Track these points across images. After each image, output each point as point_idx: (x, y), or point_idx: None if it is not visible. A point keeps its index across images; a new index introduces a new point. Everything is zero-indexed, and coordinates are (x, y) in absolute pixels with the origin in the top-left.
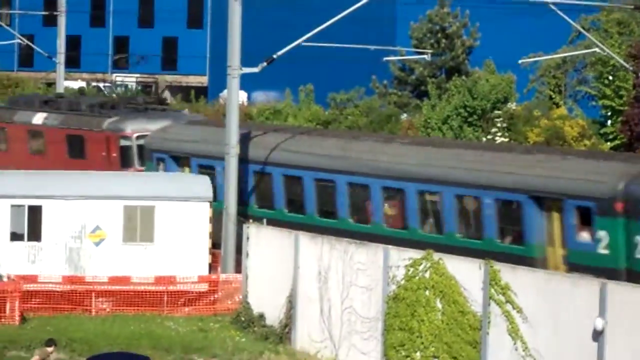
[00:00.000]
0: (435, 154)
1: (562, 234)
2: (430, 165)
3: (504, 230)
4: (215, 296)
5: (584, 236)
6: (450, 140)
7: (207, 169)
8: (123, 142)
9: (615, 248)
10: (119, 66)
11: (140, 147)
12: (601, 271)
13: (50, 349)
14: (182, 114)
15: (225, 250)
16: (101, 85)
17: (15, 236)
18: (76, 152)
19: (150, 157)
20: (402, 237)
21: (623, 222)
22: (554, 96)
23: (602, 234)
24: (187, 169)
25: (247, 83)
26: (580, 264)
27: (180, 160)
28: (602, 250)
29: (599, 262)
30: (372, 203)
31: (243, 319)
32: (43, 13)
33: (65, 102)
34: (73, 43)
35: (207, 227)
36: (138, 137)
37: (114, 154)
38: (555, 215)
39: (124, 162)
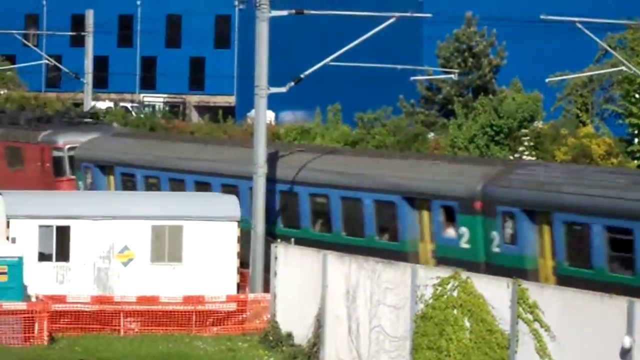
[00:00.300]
0: (324, 161)
1: (430, 230)
2: (320, 170)
3: (382, 228)
4: (244, 316)
5: (449, 232)
6: (340, 148)
7: (128, 177)
8: (56, 153)
9: (474, 243)
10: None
11: (72, 158)
12: (464, 264)
13: None
14: (111, 127)
15: (253, 269)
16: (129, 105)
17: (44, 256)
18: (15, 162)
19: (79, 166)
20: (296, 236)
21: (481, 219)
22: (580, 115)
23: (464, 230)
24: (111, 177)
25: (275, 103)
26: (446, 257)
27: (105, 169)
28: (464, 244)
29: (462, 255)
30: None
31: (271, 338)
32: (70, 34)
33: (6, 117)
34: (100, 63)
35: (235, 247)
36: (69, 149)
37: (48, 164)
38: (425, 214)
39: (57, 171)
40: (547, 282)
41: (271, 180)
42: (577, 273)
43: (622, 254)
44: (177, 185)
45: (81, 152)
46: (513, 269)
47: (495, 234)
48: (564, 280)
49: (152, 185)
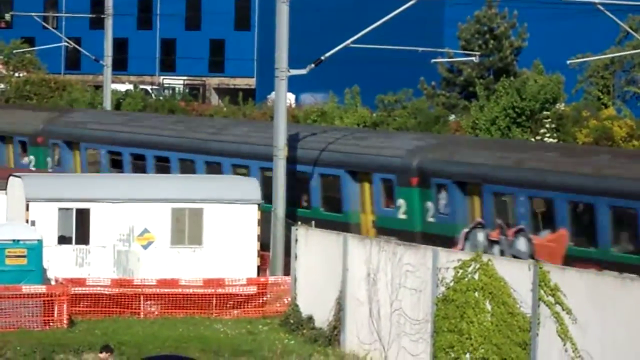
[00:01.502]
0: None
1: (13, 159)
2: None
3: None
4: (264, 298)
5: (24, 160)
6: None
7: None
8: None
9: (38, 165)
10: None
11: None
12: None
13: (102, 355)
14: None
15: (273, 252)
16: (148, 88)
17: (63, 239)
18: None
19: None
20: None
21: (42, 149)
22: (602, 97)
23: (32, 158)
24: None
25: (295, 85)
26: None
27: None
28: (32, 167)
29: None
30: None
31: (292, 321)
32: (90, 16)
33: None
34: (120, 46)
35: (256, 230)
36: None
37: None
38: (10, 148)
39: None
40: None
41: None
42: None
43: None
44: None
45: None
46: None
47: (49, 160)
48: None
49: None
